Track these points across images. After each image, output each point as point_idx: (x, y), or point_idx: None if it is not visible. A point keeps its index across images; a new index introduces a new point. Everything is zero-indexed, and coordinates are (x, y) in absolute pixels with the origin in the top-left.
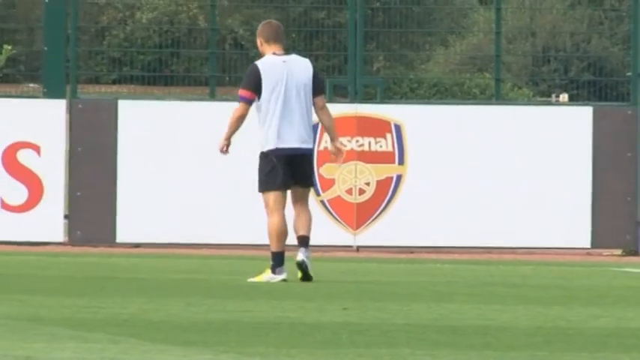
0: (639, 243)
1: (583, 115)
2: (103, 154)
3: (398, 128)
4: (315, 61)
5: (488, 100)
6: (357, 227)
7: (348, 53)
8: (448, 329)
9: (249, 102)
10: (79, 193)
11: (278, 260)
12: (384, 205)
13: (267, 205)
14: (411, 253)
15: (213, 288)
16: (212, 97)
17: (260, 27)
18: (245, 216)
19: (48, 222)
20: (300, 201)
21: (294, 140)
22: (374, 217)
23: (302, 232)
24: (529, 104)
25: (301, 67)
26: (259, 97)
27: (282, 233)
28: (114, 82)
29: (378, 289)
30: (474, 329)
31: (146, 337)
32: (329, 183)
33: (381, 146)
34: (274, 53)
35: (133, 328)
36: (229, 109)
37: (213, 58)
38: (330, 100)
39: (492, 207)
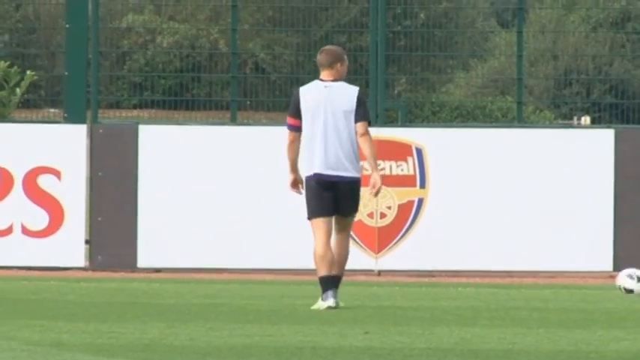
0: None
1: (605, 138)
2: (124, 179)
3: (419, 152)
4: None
5: (510, 123)
6: (379, 251)
7: (370, 77)
8: (470, 353)
9: (292, 128)
10: (100, 218)
11: (323, 285)
12: (405, 228)
13: (312, 232)
14: (433, 277)
15: (235, 312)
16: (233, 121)
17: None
18: (266, 241)
19: (69, 247)
20: (340, 232)
21: (330, 167)
22: (395, 240)
23: (334, 272)
24: (551, 127)
25: (344, 94)
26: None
27: (324, 259)
28: (135, 107)
29: (399, 313)
30: (496, 353)
31: None
32: None
33: (402, 170)
34: (321, 79)
35: (155, 353)
36: (251, 133)
37: (234, 82)
38: None
39: (514, 230)
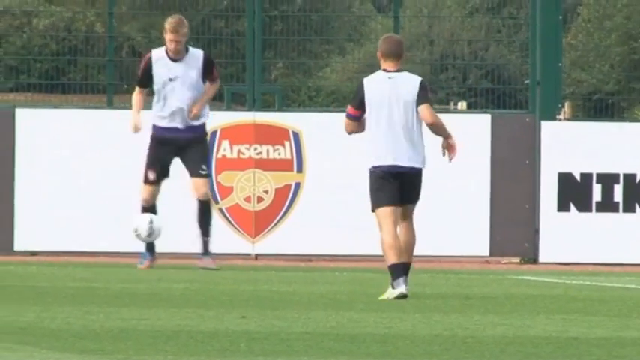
0: (538, 251)
1: (481, 123)
2: (1, 162)
3: (296, 136)
4: None
5: None
6: (256, 235)
7: (246, 61)
8: (347, 337)
9: (352, 118)
10: None
11: (393, 273)
12: (282, 213)
13: (377, 222)
14: (310, 261)
15: (111, 296)
16: (110, 104)
17: (380, 41)
18: None
19: None
20: (405, 219)
21: (396, 158)
22: (272, 225)
23: (404, 259)
24: None
25: (408, 85)
26: (364, 113)
27: (392, 247)
28: (11, 90)
29: (276, 297)
30: (373, 337)
31: (43, 345)
32: (227, 191)
33: (279, 154)
34: (385, 69)
35: (31, 336)
36: (127, 116)
37: (110, 65)
38: (228, 108)
39: None
